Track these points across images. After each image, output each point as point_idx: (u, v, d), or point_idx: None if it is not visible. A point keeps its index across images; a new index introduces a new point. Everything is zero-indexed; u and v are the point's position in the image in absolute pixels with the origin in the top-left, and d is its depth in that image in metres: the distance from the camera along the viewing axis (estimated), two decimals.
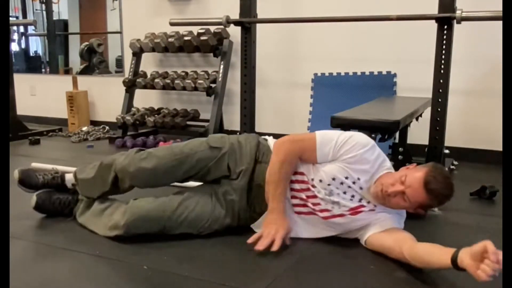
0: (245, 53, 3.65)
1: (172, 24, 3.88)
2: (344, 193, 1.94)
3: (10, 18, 6.49)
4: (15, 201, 2.12)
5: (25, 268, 1.81)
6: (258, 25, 3.69)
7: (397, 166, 3.26)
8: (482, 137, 3.64)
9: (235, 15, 3.60)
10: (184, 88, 4.25)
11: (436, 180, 1.79)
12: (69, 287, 1.67)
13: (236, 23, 3.60)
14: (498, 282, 1.51)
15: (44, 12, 7.10)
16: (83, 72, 6.16)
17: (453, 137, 3.48)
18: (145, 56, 4.72)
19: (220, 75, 4.21)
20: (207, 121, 4.24)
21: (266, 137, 2.24)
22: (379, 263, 1.85)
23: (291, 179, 2.03)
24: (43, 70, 7.35)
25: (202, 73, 4.30)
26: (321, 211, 1.97)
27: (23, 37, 7.67)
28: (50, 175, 2.29)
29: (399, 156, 3.36)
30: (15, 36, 7.44)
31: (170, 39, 4.34)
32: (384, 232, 1.89)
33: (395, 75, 3.84)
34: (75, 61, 6.76)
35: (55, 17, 7.04)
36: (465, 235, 2.20)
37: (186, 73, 4.41)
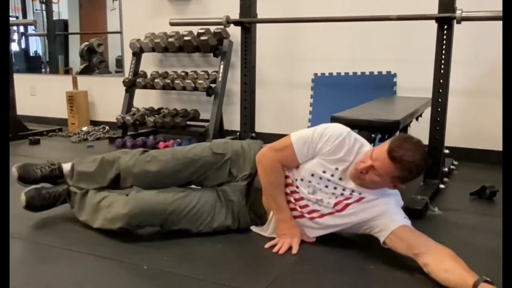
0: (245, 53, 3.65)
1: (172, 24, 3.88)
2: (326, 187, 1.94)
3: (10, 18, 6.49)
4: (15, 201, 2.12)
5: (25, 269, 1.81)
6: (258, 25, 3.69)
7: None
8: (482, 137, 3.64)
9: (235, 15, 3.60)
10: (184, 88, 4.25)
11: (401, 148, 1.74)
12: (69, 287, 1.67)
13: (236, 23, 3.59)
14: (498, 282, 1.51)
15: (44, 12, 7.10)
16: (83, 72, 6.16)
17: (453, 137, 3.48)
18: (145, 56, 4.72)
19: (220, 75, 4.21)
20: (207, 121, 4.24)
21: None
22: (379, 263, 1.85)
23: None
24: (43, 70, 7.35)
25: (202, 73, 4.30)
26: (309, 212, 1.98)
27: (23, 37, 7.67)
28: (48, 168, 2.30)
29: None
30: (15, 36, 7.44)
31: (170, 39, 4.34)
32: (394, 235, 1.82)
33: (395, 75, 3.84)
34: (75, 61, 6.76)
35: (55, 17, 7.04)
36: (465, 235, 2.20)
37: (186, 73, 4.41)
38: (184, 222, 2.03)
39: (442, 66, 2.88)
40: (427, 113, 3.08)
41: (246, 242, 2.05)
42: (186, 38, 4.24)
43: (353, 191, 1.93)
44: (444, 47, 2.86)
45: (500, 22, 2.67)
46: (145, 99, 4.80)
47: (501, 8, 2.09)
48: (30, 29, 7.48)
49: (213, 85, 4.19)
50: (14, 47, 7.27)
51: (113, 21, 5.73)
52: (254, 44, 3.67)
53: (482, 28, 3.40)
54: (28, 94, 5.50)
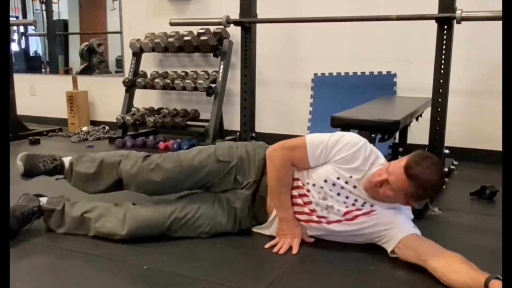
0: (245, 53, 3.65)
1: (172, 24, 3.88)
2: (338, 194, 1.92)
3: (10, 18, 6.49)
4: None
5: (25, 269, 1.80)
6: (258, 25, 3.69)
7: None
8: (482, 137, 3.64)
9: (235, 15, 3.60)
10: (184, 88, 4.25)
11: (419, 165, 1.72)
12: (69, 287, 1.67)
13: (236, 23, 3.60)
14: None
15: (44, 12, 7.10)
16: (83, 72, 6.16)
17: (453, 137, 3.48)
18: (145, 56, 4.72)
19: (220, 75, 4.21)
20: (207, 121, 4.23)
21: None
22: (379, 263, 1.85)
23: None
24: (43, 70, 7.35)
25: (202, 73, 4.30)
26: (318, 217, 1.96)
27: (23, 37, 7.67)
28: (51, 163, 2.22)
29: (399, 156, 3.37)
30: (15, 36, 7.44)
31: (170, 39, 4.34)
32: (403, 244, 1.82)
33: (395, 75, 3.84)
34: (75, 61, 6.77)
35: (55, 17, 7.04)
36: (465, 235, 2.20)
37: (186, 73, 4.41)
38: (183, 231, 2.04)
39: (442, 66, 2.88)
40: (427, 113, 3.08)
41: (246, 242, 2.05)
42: (186, 38, 4.24)
43: (365, 202, 1.91)
44: (444, 47, 2.86)
45: (500, 22, 2.67)
46: (145, 99, 4.80)
47: (501, 8, 2.09)
48: (30, 29, 7.49)
49: (213, 85, 4.19)
50: (14, 47, 7.27)
51: (113, 21, 5.73)
52: (254, 44, 3.67)
53: (482, 28, 3.40)
54: (28, 94, 5.50)
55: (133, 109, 4.57)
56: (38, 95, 5.55)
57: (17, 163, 2.18)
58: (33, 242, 2.04)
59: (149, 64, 4.81)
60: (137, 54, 4.63)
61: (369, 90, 3.78)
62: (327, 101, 4.00)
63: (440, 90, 2.90)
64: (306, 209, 1.98)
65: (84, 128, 4.78)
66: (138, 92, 4.67)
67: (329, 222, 1.94)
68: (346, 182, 1.90)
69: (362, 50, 3.92)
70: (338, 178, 1.91)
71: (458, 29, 2.91)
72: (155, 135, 4.53)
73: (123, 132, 4.47)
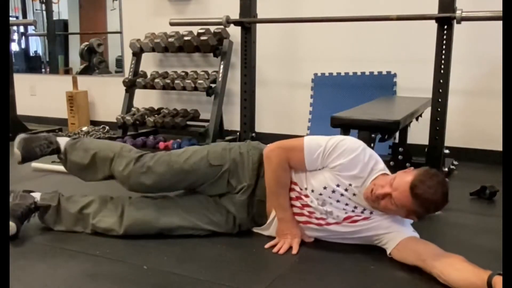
0: (245, 53, 3.65)
1: (172, 24, 3.88)
2: (337, 201, 1.90)
3: (10, 18, 6.49)
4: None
5: (25, 269, 1.80)
6: (258, 25, 3.69)
7: (397, 166, 3.28)
8: (482, 137, 3.64)
9: (235, 15, 3.60)
10: (184, 88, 4.24)
11: (424, 185, 1.70)
12: (69, 287, 1.67)
13: (236, 23, 3.60)
14: None
15: (44, 12, 7.10)
16: (83, 72, 6.16)
17: (453, 137, 3.48)
18: (145, 56, 4.72)
19: (220, 75, 4.21)
20: (207, 121, 4.23)
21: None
22: (379, 263, 1.85)
23: None
24: (43, 70, 7.35)
25: (202, 73, 4.30)
26: (317, 219, 1.95)
27: (23, 37, 7.67)
28: (47, 147, 2.20)
29: (399, 156, 3.37)
30: (15, 36, 7.44)
31: (170, 39, 4.34)
32: (402, 245, 1.82)
33: (395, 75, 3.84)
34: (75, 61, 6.77)
35: (55, 17, 7.04)
36: (465, 235, 2.20)
37: (186, 73, 4.41)
38: (181, 230, 2.06)
39: (442, 66, 2.89)
40: (427, 113, 3.08)
41: (246, 242, 2.05)
42: (186, 38, 4.24)
43: (364, 209, 1.90)
44: (444, 47, 2.87)
45: (500, 22, 2.67)
46: (145, 99, 4.80)
47: (501, 8, 2.09)
48: (30, 29, 7.49)
49: (213, 85, 4.19)
50: (14, 47, 7.27)
51: (113, 21, 5.73)
52: (254, 44, 3.67)
53: (482, 28, 3.40)
54: (28, 94, 5.49)
55: (133, 109, 4.57)
56: (38, 95, 5.55)
57: (14, 151, 2.17)
58: (32, 242, 2.04)
59: (149, 64, 4.81)
60: (137, 54, 4.63)
61: (369, 90, 3.78)
62: (327, 101, 4.00)
63: (440, 90, 2.90)
64: (305, 211, 1.97)
65: (84, 128, 4.78)
66: (138, 92, 4.67)
67: (328, 224, 1.94)
68: (346, 190, 1.88)
69: (362, 50, 3.92)
70: (337, 186, 1.89)
71: (458, 29, 2.91)
72: (155, 135, 4.53)
73: (123, 132, 4.47)
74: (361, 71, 3.93)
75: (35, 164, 3.16)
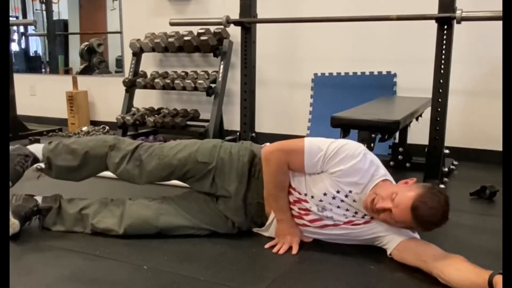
0: (245, 53, 3.65)
1: (172, 24, 3.88)
2: (338, 207, 1.89)
3: (10, 18, 6.49)
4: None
5: (25, 269, 1.80)
6: (258, 25, 3.69)
7: (397, 166, 3.29)
8: (482, 137, 3.64)
9: (235, 15, 3.60)
10: (184, 88, 4.25)
11: (425, 206, 1.68)
12: (68, 287, 1.67)
13: (236, 23, 3.60)
14: None
15: (44, 12, 7.10)
16: (83, 72, 6.16)
17: (453, 137, 3.48)
18: (145, 56, 4.72)
19: (220, 75, 4.21)
20: (207, 121, 4.24)
21: (266, 145, 2.10)
22: (379, 263, 1.85)
23: None
24: (43, 70, 7.35)
25: (202, 73, 4.30)
26: (313, 221, 1.94)
27: (23, 37, 7.67)
28: (25, 161, 2.14)
29: (399, 156, 3.37)
30: (15, 36, 7.44)
31: (170, 39, 4.34)
32: (402, 246, 1.82)
33: (395, 75, 3.84)
34: (75, 61, 6.77)
35: (55, 17, 7.04)
36: (465, 235, 2.20)
37: (186, 73, 4.41)
38: (181, 230, 2.06)
39: (442, 66, 2.89)
40: (427, 113, 3.08)
41: (246, 242, 2.05)
42: (186, 38, 4.24)
43: (365, 214, 1.89)
44: (444, 47, 2.87)
45: (500, 22, 2.67)
46: (145, 99, 4.80)
47: (501, 8, 2.09)
48: (30, 29, 7.49)
49: (213, 85, 4.19)
50: (14, 47, 7.27)
51: (113, 21, 5.73)
52: (254, 44, 3.67)
53: (482, 28, 3.40)
54: (28, 94, 5.50)
55: (133, 109, 4.57)
56: (38, 95, 5.55)
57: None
58: (32, 242, 2.04)
59: (149, 64, 4.81)
60: (137, 54, 4.63)
61: (369, 90, 3.78)
62: (327, 101, 4.00)
63: (440, 90, 2.90)
64: (304, 216, 1.96)
65: (84, 128, 4.78)
66: (138, 92, 4.68)
67: (326, 226, 1.94)
68: (346, 196, 1.86)
69: (362, 50, 3.92)
70: (337, 192, 1.86)
71: (458, 29, 2.91)
72: (155, 135, 4.54)
73: (123, 132, 4.47)
74: (361, 71, 3.93)
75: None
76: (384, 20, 3.36)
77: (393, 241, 1.85)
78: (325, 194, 1.88)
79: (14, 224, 2.00)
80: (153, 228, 2.04)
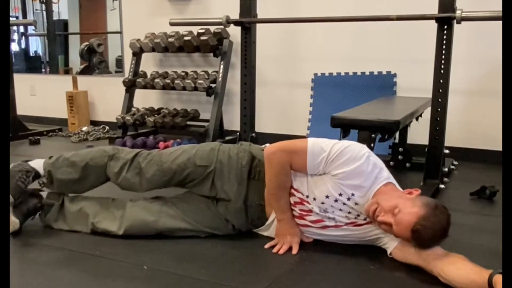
0: (245, 53, 3.65)
1: (172, 24, 3.88)
2: (340, 210, 1.88)
3: (10, 18, 6.49)
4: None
5: (25, 268, 1.81)
6: (258, 25, 3.69)
7: (397, 166, 3.29)
8: (482, 137, 3.64)
9: (235, 15, 3.60)
10: (184, 88, 4.25)
11: (426, 230, 1.65)
12: (68, 287, 1.67)
13: (236, 23, 3.59)
14: None
15: (44, 12, 7.11)
16: (83, 72, 6.16)
17: (453, 137, 3.48)
18: (145, 56, 4.72)
19: (220, 75, 4.21)
20: (207, 121, 4.24)
21: (267, 145, 2.08)
22: (379, 263, 1.85)
23: None
24: (43, 70, 7.35)
25: (202, 73, 4.30)
26: (315, 221, 1.94)
27: (23, 37, 7.68)
28: (26, 177, 2.11)
29: (399, 156, 3.37)
30: (15, 36, 7.45)
31: (170, 39, 4.34)
32: (403, 244, 1.81)
33: (395, 75, 3.84)
34: (75, 61, 6.77)
35: (55, 17, 7.04)
36: (465, 235, 2.20)
37: (186, 73, 4.41)
38: (181, 232, 2.06)
39: (442, 66, 2.88)
40: (427, 113, 3.08)
41: (246, 242, 2.05)
42: (186, 38, 4.24)
43: (366, 217, 1.89)
44: (444, 47, 2.86)
45: (500, 22, 2.67)
46: (145, 99, 4.80)
47: (501, 8, 2.09)
48: (30, 29, 7.49)
49: (213, 85, 4.19)
50: (14, 47, 7.28)
51: (113, 21, 5.73)
52: (254, 44, 3.67)
53: (482, 28, 3.40)
54: (28, 94, 5.50)
55: (133, 109, 4.57)
56: (38, 95, 5.55)
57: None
58: (32, 241, 2.04)
59: (149, 64, 4.81)
60: (137, 54, 4.63)
61: (369, 90, 3.78)
62: (327, 101, 4.00)
63: (440, 90, 2.90)
64: (305, 217, 1.96)
65: (84, 128, 4.78)
66: (138, 92, 4.67)
67: (326, 227, 1.94)
68: (348, 199, 1.85)
69: (362, 50, 3.92)
70: (340, 195, 1.85)
71: (458, 29, 2.91)
72: (155, 135, 4.53)
73: (123, 132, 4.47)
74: (361, 71, 3.93)
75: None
76: (384, 20, 3.36)
77: (393, 241, 1.85)
78: (327, 197, 1.87)
79: (14, 222, 2.02)
80: (153, 230, 2.05)
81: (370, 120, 2.37)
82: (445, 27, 2.85)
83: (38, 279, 1.73)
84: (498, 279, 1.49)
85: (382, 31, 3.77)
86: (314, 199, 1.90)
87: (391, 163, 3.31)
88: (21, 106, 4.74)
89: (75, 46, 6.91)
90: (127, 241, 2.01)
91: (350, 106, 2.79)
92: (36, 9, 7.52)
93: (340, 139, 2.15)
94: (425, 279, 1.70)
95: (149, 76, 4.57)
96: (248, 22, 3.57)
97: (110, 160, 2.13)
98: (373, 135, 2.32)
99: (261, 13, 3.64)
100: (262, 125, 4.21)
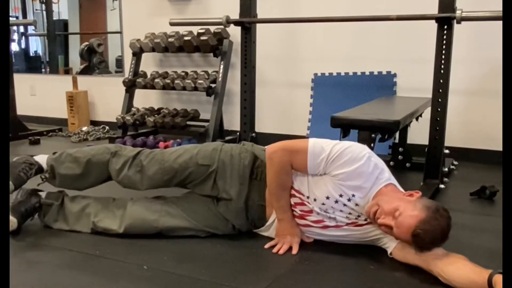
0: (245, 53, 3.65)
1: (172, 24, 3.88)
2: (340, 211, 1.88)
3: (10, 18, 6.49)
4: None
5: (25, 268, 1.81)
6: (258, 25, 3.69)
7: (397, 166, 3.29)
8: (482, 137, 3.64)
9: (235, 15, 3.60)
10: (184, 88, 4.25)
11: (426, 234, 1.65)
12: (68, 287, 1.67)
13: (236, 23, 3.59)
14: None
15: (44, 12, 7.11)
16: (83, 72, 6.16)
17: (453, 137, 3.48)
18: (145, 56, 4.72)
19: (220, 75, 4.21)
20: (207, 121, 4.23)
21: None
22: (379, 263, 1.85)
23: None
24: (43, 70, 7.35)
25: (202, 73, 4.30)
26: (316, 222, 1.94)
27: (23, 37, 7.67)
28: (29, 169, 2.15)
29: (399, 156, 3.37)
30: (15, 36, 7.45)
31: (170, 39, 4.34)
32: (403, 245, 1.81)
33: (395, 75, 3.84)
34: (75, 61, 6.77)
35: (55, 17, 7.04)
36: (465, 235, 2.20)
37: (186, 73, 4.41)
38: (181, 231, 2.06)
39: (442, 66, 2.88)
40: (427, 113, 3.08)
41: (246, 242, 2.05)
42: (186, 38, 4.24)
43: (367, 218, 1.89)
44: (444, 47, 2.86)
45: (500, 22, 2.67)
46: (145, 99, 4.80)
47: (501, 8, 2.09)
48: (30, 29, 7.49)
49: (213, 85, 4.19)
50: (14, 47, 7.28)
51: (113, 21, 5.73)
52: (254, 44, 3.67)
53: (482, 28, 3.40)
54: (28, 94, 5.50)
55: (133, 109, 4.57)
56: (38, 95, 5.55)
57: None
58: (32, 241, 2.04)
59: (149, 64, 4.81)
60: (137, 54, 4.63)
61: (369, 90, 3.78)
62: (327, 101, 4.00)
63: (440, 90, 2.90)
64: (306, 217, 1.96)
65: (84, 128, 4.78)
66: (138, 92, 4.67)
67: (327, 227, 1.94)
68: (349, 200, 1.85)
69: (362, 50, 3.92)
70: (340, 196, 1.85)
71: (458, 29, 2.91)
72: (155, 135, 4.53)
73: (123, 132, 4.47)
74: (361, 71, 3.93)
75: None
76: (384, 20, 3.36)
77: (393, 241, 1.85)
78: (327, 198, 1.87)
79: (11, 221, 2.02)
80: (153, 228, 2.05)
81: (370, 120, 2.37)
82: (445, 27, 2.85)
83: (38, 279, 1.73)
84: (498, 279, 1.50)
85: (382, 31, 3.78)
86: (315, 200, 1.90)
87: (391, 163, 3.31)
88: (21, 106, 4.74)
89: (75, 46, 6.91)
90: (127, 241, 2.01)
91: (350, 106, 2.79)
92: (36, 9, 7.52)
93: (340, 139, 2.15)
94: (425, 279, 1.70)
95: (149, 76, 4.57)
96: (248, 22, 3.57)
97: (113, 157, 2.14)
98: (373, 135, 2.32)
99: (261, 13, 3.64)
100: (262, 125, 4.21)
